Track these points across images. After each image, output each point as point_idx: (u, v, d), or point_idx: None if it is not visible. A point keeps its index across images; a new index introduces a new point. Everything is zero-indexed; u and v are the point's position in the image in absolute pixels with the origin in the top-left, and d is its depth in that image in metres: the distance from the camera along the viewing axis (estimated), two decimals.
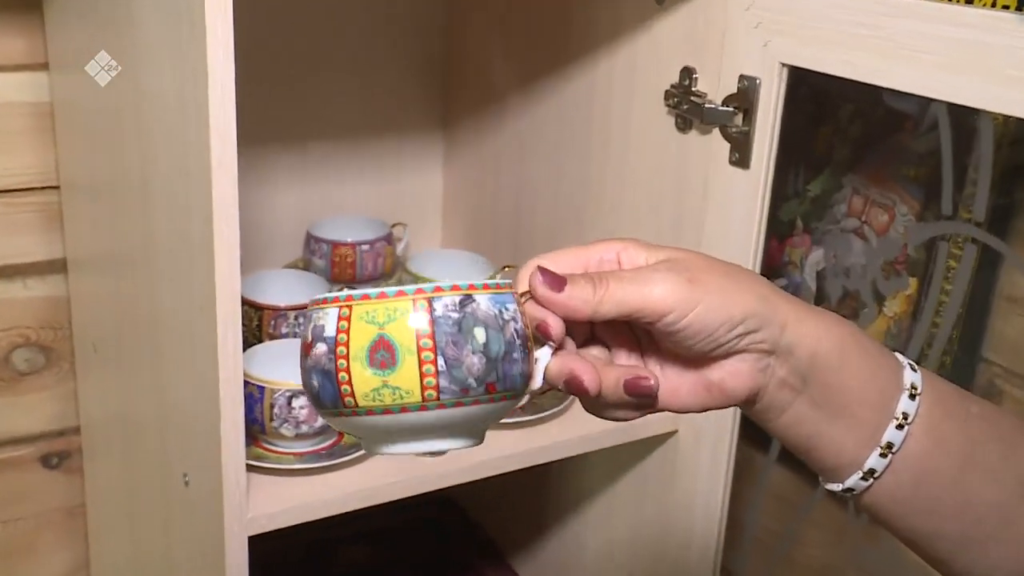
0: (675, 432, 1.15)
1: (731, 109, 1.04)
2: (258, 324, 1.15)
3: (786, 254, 1.26)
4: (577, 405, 1.15)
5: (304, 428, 1.01)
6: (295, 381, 1.00)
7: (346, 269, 1.31)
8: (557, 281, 0.57)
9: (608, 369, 0.58)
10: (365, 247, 1.32)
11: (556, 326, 0.57)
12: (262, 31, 1.33)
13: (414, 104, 1.47)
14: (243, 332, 0.91)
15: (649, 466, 1.20)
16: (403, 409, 0.54)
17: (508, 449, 1.09)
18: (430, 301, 0.54)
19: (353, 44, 1.40)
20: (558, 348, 0.58)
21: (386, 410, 0.54)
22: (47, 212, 1.29)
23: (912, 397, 0.58)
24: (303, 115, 1.39)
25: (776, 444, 1.28)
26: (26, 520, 1.39)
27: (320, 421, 1.02)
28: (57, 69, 1.22)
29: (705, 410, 0.60)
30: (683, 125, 1.09)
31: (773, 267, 1.26)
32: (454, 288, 0.55)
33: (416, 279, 1.27)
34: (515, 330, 0.56)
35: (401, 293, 0.54)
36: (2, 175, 1.26)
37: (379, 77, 1.43)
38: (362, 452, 1.03)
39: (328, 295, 0.56)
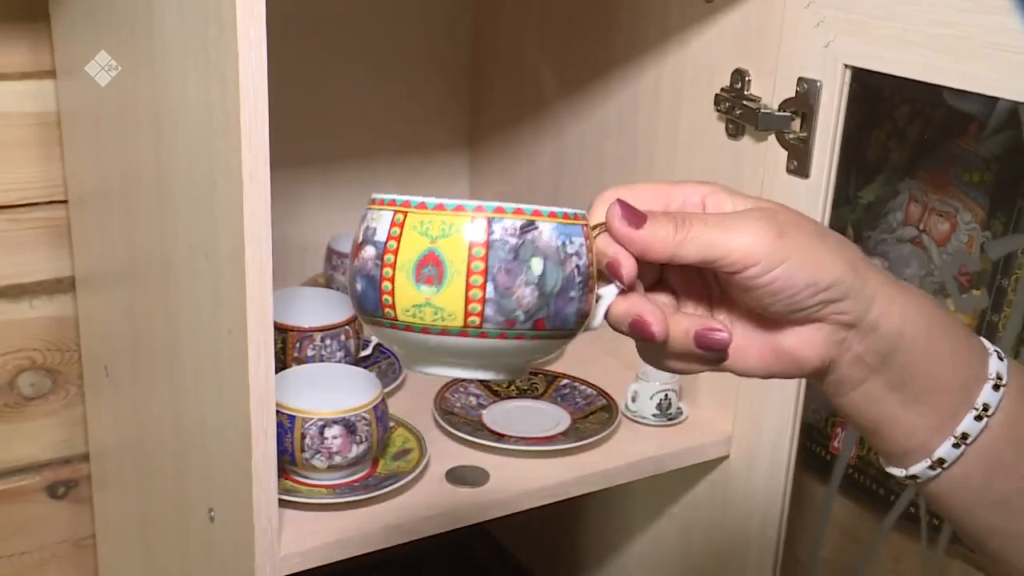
0: (726, 457, 1.09)
1: (788, 114, 0.98)
2: (282, 347, 1.09)
3: None
4: (621, 431, 1.09)
5: (337, 459, 0.95)
6: (327, 409, 0.94)
7: None
8: (637, 217, 0.53)
9: (678, 317, 0.55)
10: None
11: (628, 266, 0.54)
12: (282, 42, 1.26)
13: (440, 117, 1.41)
14: None
15: (698, 495, 1.14)
16: (443, 331, 0.51)
17: (549, 479, 1.03)
18: (489, 221, 0.51)
19: (376, 55, 1.35)
20: (626, 290, 0.55)
21: (425, 329, 0.51)
22: (54, 228, 1.24)
23: (996, 388, 0.55)
24: (323, 126, 1.34)
25: (839, 470, 1.21)
26: (31, 554, 1.34)
27: (353, 452, 0.96)
28: (66, 76, 1.16)
29: (769, 376, 0.56)
30: (735, 131, 1.03)
31: None
32: (517, 212, 0.52)
33: None
34: (577, 266, 0.53)
35: (460, 208, 0.51)
36: (6, 190, 1.21)
37: (403, 89, 1.38)
38: (398, 484, 0.97)
39: (386, 196, 0.53)
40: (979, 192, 1.07)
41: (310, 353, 1.10)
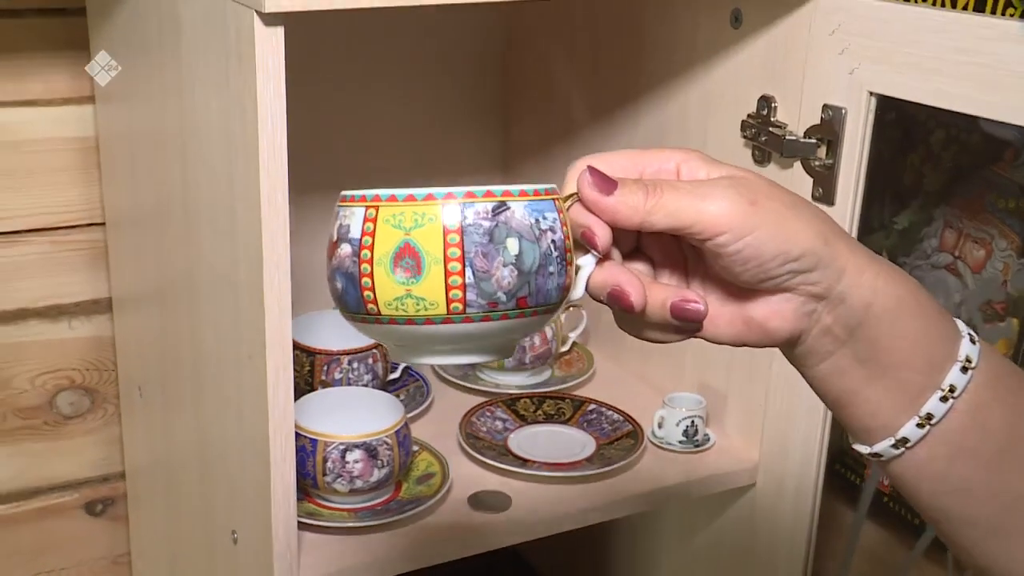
0: (753, 485, 1.08)
1: (814, 141, 0.97)
2: (310, 370, 1.10)
3: None
4: (647, 458, 1.09)
5: (359, 483, 0.96)
6: (348, 433, 0.95)
7: None
8: (607, 183, 0.53)
9: (655, 287, 0.55)
10: None
11: (602, 235, 0.54)
12: (311, 68, 1.28)
13: (472, 142, 1.42)
14: (294, 378, 0.86)
15: (725, 522, 1.13)
16: (427, 321, 0.52)
17: (573, 505, 1.02)
18: (461, 207, 0.51)
19: (407, 81, 1.35)
20: (604, 258, 0.55)
21: (409, 320, 0.52)
22: (92, 250, 1.26)
23: (964, 370, 0.54)
24: (353, 149, 1.34)
25: (867, 496, 1.19)
26: (69, 570, 1.35)
27: (375, 476, 0.96)
28: (103, 102, 1.18)
29: (740, 345, 0.56)
30: (761, 157, 1.02)
31: None
32: (487, 195, 0.52)
33: None
34: (552, 241, 0.53)
35: (430, 197, 0.51)
36: (47, 213, 1.23)
37: (435, 115, 1.38)
38: (419, 509, 0.97)
39: (356, 192, 0.53)
40: (1014, 219, 1.05)
41: (337, 376, 1.10)
